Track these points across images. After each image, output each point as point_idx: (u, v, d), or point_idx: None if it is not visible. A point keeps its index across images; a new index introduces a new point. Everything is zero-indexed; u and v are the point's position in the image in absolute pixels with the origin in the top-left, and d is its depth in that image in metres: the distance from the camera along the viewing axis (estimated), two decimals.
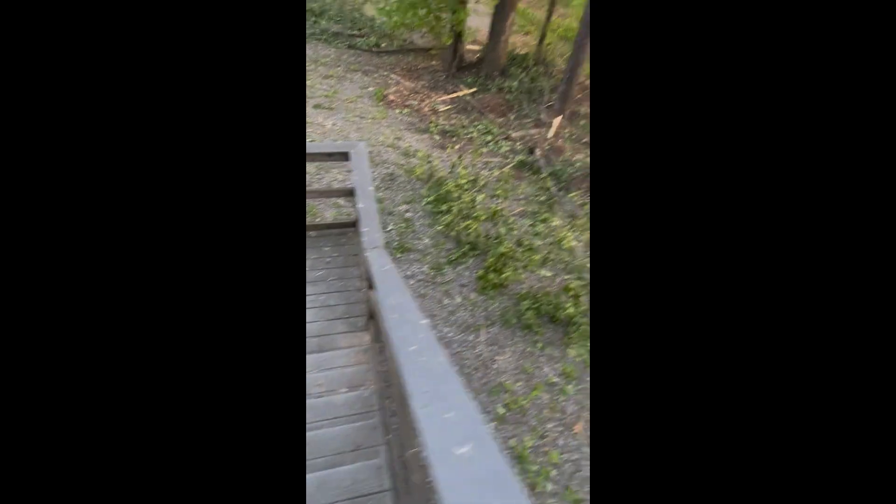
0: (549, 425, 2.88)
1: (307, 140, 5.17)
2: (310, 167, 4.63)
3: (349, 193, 3.09)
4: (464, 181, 4.65)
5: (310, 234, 3.27)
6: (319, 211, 4.19)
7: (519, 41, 9.83)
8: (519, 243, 4.12)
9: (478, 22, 9.44)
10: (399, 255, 3.96)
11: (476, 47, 8.80)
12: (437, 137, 6.02)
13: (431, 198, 4.43)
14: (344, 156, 2.85)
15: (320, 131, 5.44)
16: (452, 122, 6.50)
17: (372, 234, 2.22)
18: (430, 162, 4.92)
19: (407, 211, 4.45)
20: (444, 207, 4.28)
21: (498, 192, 4.75)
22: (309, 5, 8.93)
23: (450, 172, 4.96)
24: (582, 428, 2.89)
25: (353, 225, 3.37)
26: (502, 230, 4.20)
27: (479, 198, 4.25)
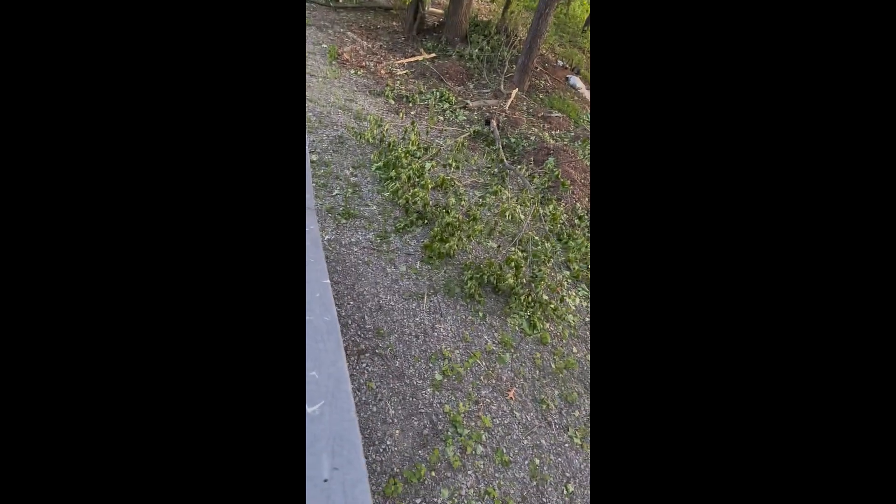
0: (484, 392, 2.95)
1: None
2: None
3: None
4: (415, 148, 4.54)
5: None
6: None
7: (483, 8, 9.56)
8: (467, 213, 4.10)
9: None
10: (344, 221, 3.84)
11: (437, 11, 8.49)
12: (393, 102, 5.81)
13: (380, 163, 4.30)
14: None
15: None
16: (409, 87, 6.29)
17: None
18: (381, 126, 4.74)
19: (354, 175, 4.30)
20: (392, 174, 4.17)
21: (450, 161, 4.67)
22: None
23: (402, 138, 4.82)
24: (514, 394, 2.99)
25: None
26: (451, 200, 4.16)
27: (429, 165, 4.16)
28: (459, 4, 7.06)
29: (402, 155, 4.22)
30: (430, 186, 3.98)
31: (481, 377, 3.02)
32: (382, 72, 6.47)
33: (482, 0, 9.53)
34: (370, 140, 4.69)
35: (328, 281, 1.04)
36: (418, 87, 6.29)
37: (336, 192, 4.07)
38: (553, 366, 3.26)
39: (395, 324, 3.21)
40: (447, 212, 3.94)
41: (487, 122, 5.83)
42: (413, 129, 4.79)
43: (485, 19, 8.33)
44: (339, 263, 3.50)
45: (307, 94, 5.28)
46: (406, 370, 2.93)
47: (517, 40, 7.78)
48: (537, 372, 3.18)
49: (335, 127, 4.90)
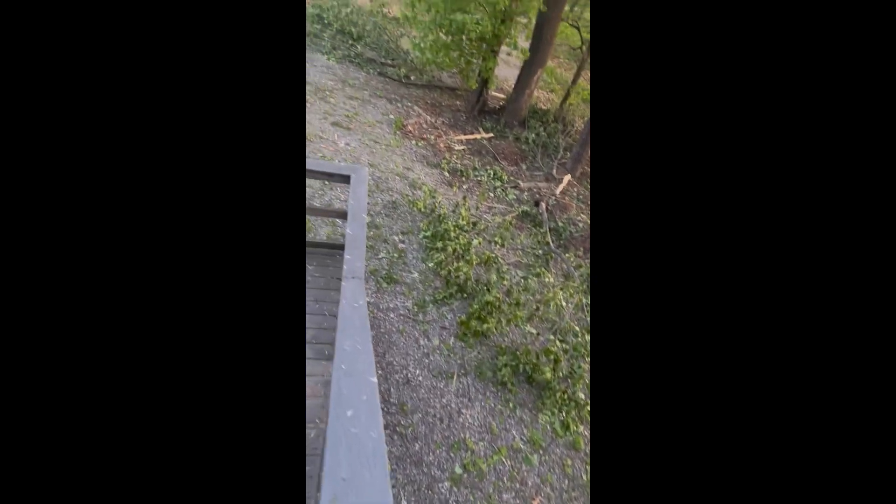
0: (506, 496, 2.69)
1: (317, 156, 5.18)
2: (315, 184, 4.61)
3: (344, 216, 3.04)
4: (464, 222, 4.61)
5: None
6: (314, 227, 4.13)
7: (543, 97, 10.11)
8: (508, 294, 4.03)
9: (505, 72, 9.75)
10: (385, 286, 3.86)
11: (500, 95, 9.04)
12: (447, 174, 6.05)
13: (429, 233, 4.38)
14: (345, 179, 2.82)
15: (332, 149, 5.47)
16: (465, 162, 6.55)
17: (354, 263, 2.14)
18: (434, 197, 4.90)
19: (402, 241, 4.39)
20: (439, 244, 4.22)
21: (497, 238, 4.70)
22: (348, 29, 9.23)
23: (452, 211, 4.94)
24: None
25: (343, 247, 3.32)
26: (493, 277, 4.12)
27: (476, 241, 4.19)
28: (522, 91, 7.50)
29: (452, 228, 4.29)
30: (474, 262, 3.97)
31: (504, 478, 2.77)
32: (441, 145, 6.82)
33: (543, 89, 10.12)
34: (422, 209, 4.83)
35: (375, 379, 0.98)
36: (473, 163, 6.54)
37: (382, 255, 4.14)
38: (585, 477, 2.96)
39: (421, 402, 3.07)
40: (488, 289, 3.89)
41: (537, 204, 5.90)
42: (464, 205, 4.90)
43: (544, 107, 8.78)
44: (373, 328, 3.46)
45: (370, 158, 5.61)
46: (425, 456, 2.74)
47: (573, 130, 8.08)
48: (566, 482, 2.89)
49: (390, 192, 5.11)
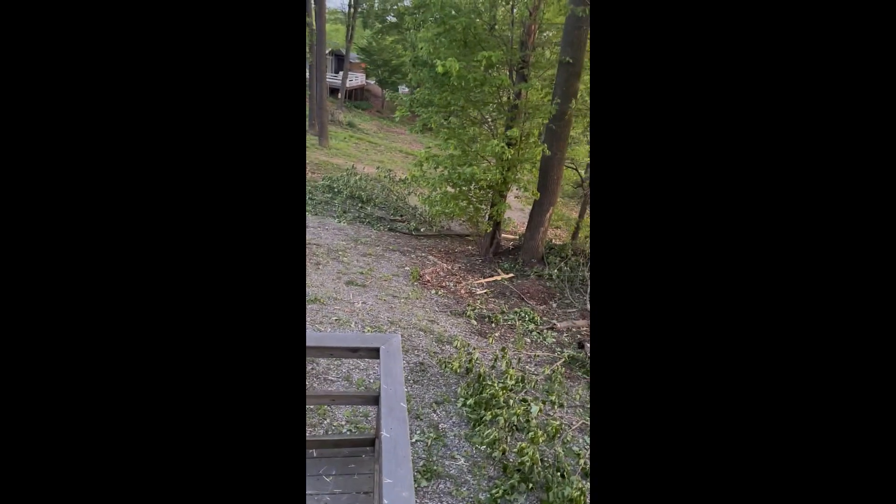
0: None
1: (332, 320, 4.65)
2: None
3: (373, 401, 2.34)
4: (511, 381, 3.81)
5: (310, 452, 2.39)
6: (330, 410, 3.34)
7: (552, 233, 10.15)
8: (585, 474, 3.03)
9: (508, 214, 9.99)
10: (425, 484, 2.90)
11: (510, 236, 9.03)
12: (475, 322, 5.45)
13: (470, 400, 3.56)
14: (373, 352, 2.19)
15: (348, 310, 4.98)
16: (491, 306, 6.02)
17: (398, 491, 1.37)
18: (469, 353, 4.19)
19: (437, 413, 3.54)
20: (487, 415, 3.36)
21: (552, 397, 3.84)
22: (357, 194, 9.72)
23: (492, 367, 4.18)
24: None
25: (371, 444, 2.51)
26: (560, 451, 3.16)
27: (536, 409, 3.34)
28: (536, 229, 7.40)
29: (498, 392, 3.47)
30: (540, 439, 3.06)
31: None
32: (462, 291, 6.38)
33: (551, 227, 10.24)
34: (456, 369, 4.08)
35: None
36: (500, 307, 6.00)
37: (416, 437, 3.26)
38: None
39: None
40: (563, 475, 2.92)
41: (581, 346, 5.16)
42: (504, 357, 4.17)
43: (559, 243, 8.67)
44: None
45: (389, 315, 5.07)
46: None
47: None
48: None
49: (416, 352, 4.43)
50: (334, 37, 28.10)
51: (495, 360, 4.26)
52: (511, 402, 3.55)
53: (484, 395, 3.51)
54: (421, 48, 6.15)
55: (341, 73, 27.37)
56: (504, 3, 6.62)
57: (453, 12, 5.95)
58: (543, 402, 3.68)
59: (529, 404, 3.48)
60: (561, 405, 3.87)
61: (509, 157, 6.05)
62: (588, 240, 8.80)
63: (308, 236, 7.18)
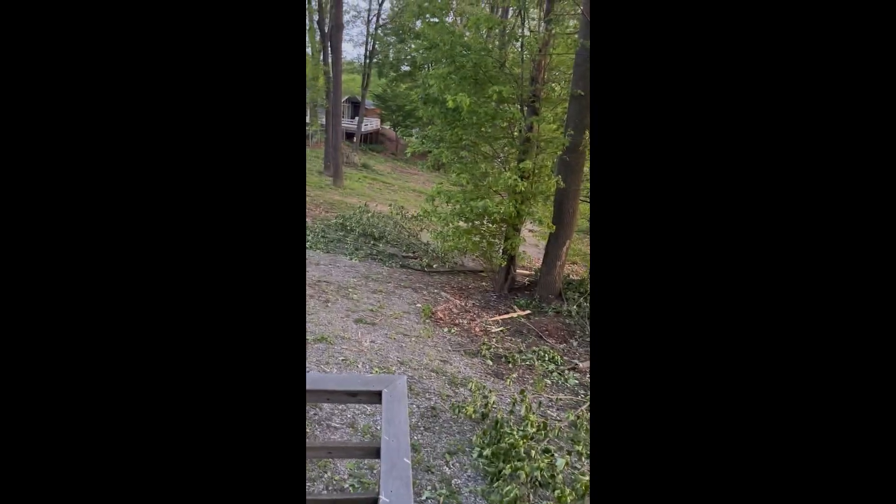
0: None
1: (338, 360, 4.39)
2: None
3: (375, 454, 2.05)
4: (532, 429, 3.44)
5: None
6: (332, 461, 3.01)
7: (568, 268, 9.84)
8: None
9: (525, 248, 9.75)
10: None
11: (525, 272, 8.75)
12: (491, 363, 5.10)
13: (487, 450, 3.19)
14: (374, 396, 1.93)
15: (355, 350, 4.71)
16: (507, 345, 5.68)
17: None
18: (485, 396, 3.84)
19: (451, 468, 3.18)
20: (506, 469, 2.99)
21: (578, 447, 3.45)
22: (370, 230, 9.67)
23: (510, 412, 3.82)
24: None
25: (375, 502, 2.19)
26: None
27: (562, 462, 2.96)
28: (553, 264, 7.12)
29: (518, 441, 3.11)
30: (568, 498, 2.67)
31: None
32: (477, 329, 6.07)
33: (571, 263, 9.94)
34: (471, 415, 3.73)
35: None
36: (517, 346, 5.66)
37: (426, 495, 2.90)
38: None
39: None
40: None
41: None
42: (524, 401, 3.81)
43: (577, 279, 8.35)
44: None
45: (399, 355, 4.78)
46: None
47: None
48: None
49: (427, 395, 4.10)
50: (351, 85, 29.37)
51: (514, 404, 3.90)
52: (533, 452, 3.17)
53: (502, 444, 3.14)
54: (432, 85, 6.20)
55: (357, 118, 28.44)
56: (514, 41, 6.71)
57: (464, 52, 6.03)
58: (569, 454, 3.29)
59: (554, 456, 3.09)
60: (588, 455, 3.46)
61: (522, 189, 5.90)
62: None
63: (318, 274, 7.03)
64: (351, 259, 8.26)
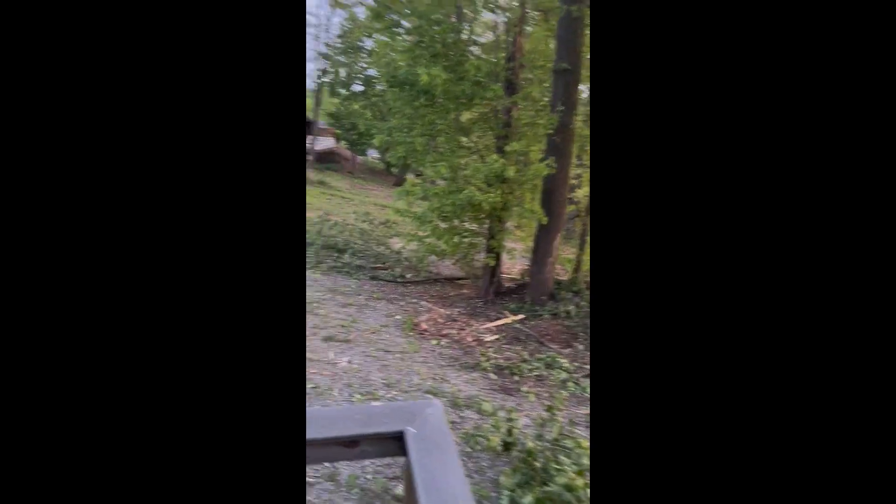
0: None
1: (307, 386, 3.37)
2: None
3: None
4: (567, 458, 2.59)
5: None
6: None
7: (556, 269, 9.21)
8: None
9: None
10: None
11: (506, 275, 8.03)
12: (493, 376, 4.24)
13: (527, 498, 2.29)
14: (389, 443, 1.03)
15: (329, 373, 3.71)
16: (507, 354, 4.85)
17: None
18: (509, 419, 2.95)
19: None
20: None
21: None
22: (331, 241, 8.68)
23: (538, 437, 2.95)
24: None
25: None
26: None
27: None
28: (544, 261, 6.42)
29: (576, 481, 2.24)
30: None
31: None
32: (469, 339, 5.20)
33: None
34: (494, 446, 2.82)
35: None
36: (519, 355, 4.84)
37: None
38: None
39: None
40: None
41: None
42: (555, 422, 2.96)
43: (566, 278, 7.69)
44: None
45: (383, 375, 3.82)
46: None
47: None
48: None
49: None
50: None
51: (541, 425, 3.04)
52: (579, 489, 2.32)
53: (551, 487, 2.25)
54: (398, 62, 5.42)
55: (310, 136, 27.41)
56: (483, 12, 6.10)
57: (434, 25, 5.32)
58: None
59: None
60: None
61: (512, 175, 5.18)
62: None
63: None
64: (313, 273, 7.21)
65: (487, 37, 6.26)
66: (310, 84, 29.41)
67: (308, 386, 3.39)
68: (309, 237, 8.81)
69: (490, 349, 4.92)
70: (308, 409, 1.37)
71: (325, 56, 25.83)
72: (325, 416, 1.13)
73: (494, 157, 5.21)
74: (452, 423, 3.20)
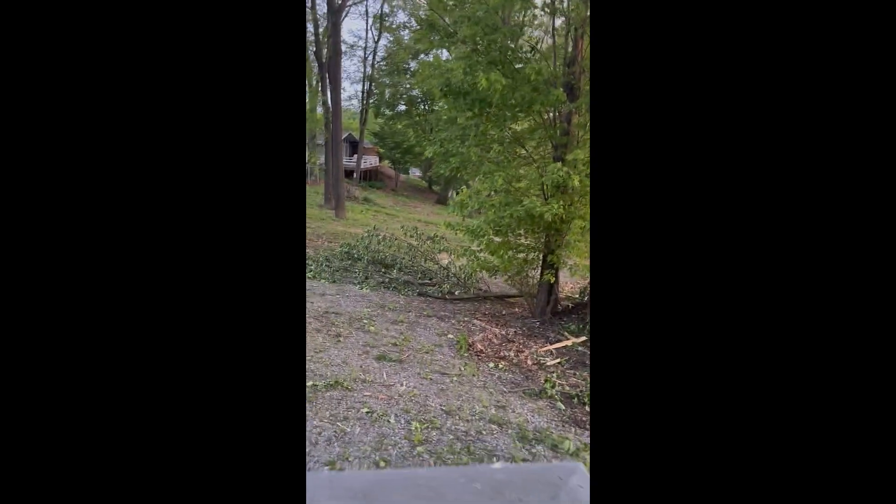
0: None
1: (362, 412, 3.10)
2: None
3: None
4: None
5: None
6: None
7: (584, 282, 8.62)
8: None
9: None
10: None
11: (562, 294, 7.53)
12: (562, 406, 3.80)
13: None
14: None
15: (383, 397, 3.43)
16: (572, 381, 4.39)
17: None
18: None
19: None
20: None
21: None
22: (379, 257, 8.56)
23: None
24: None
25: None
26: None
27: None
28: None
29: None
30: None
31: None
32: (529, 363, 4.79)
33: (583, 278, 8.76)
34: None
35: None
36: (585, 381, 4.36)
37: None
38: None
39: None
40: None
41: None
42: None
43: None
44: None
45: (442, 400, 3.49)
46: None
47: None
48: None
49: (495, 458, 2.80)
50: (347, 124, 29.20)
51: None
52: None
53: None
54: (453, 69, 5.24)
55: (355, 156, 28.10)
56: (545, 15, 5.84)
57: (490, 32, 5.10)
58: None
59: None
60: None
61: (576, 184, 4.80)
62: None
63: (325, 305, 5.82)
64: (361, 289, 7.07)
65: (547, 42, 5.97)
66: (356, 105, 30.43)
67: (363, 410, 3.12)
68: (356, 253, 8.75)
69: (553, 374, 4.48)
70: (403, 471, 1.19)
71: (370, 78, 26.61)
72: (429, 479, 0.82)
73: (557, 165, 4.84)
74: (522, 460, 2.81)
